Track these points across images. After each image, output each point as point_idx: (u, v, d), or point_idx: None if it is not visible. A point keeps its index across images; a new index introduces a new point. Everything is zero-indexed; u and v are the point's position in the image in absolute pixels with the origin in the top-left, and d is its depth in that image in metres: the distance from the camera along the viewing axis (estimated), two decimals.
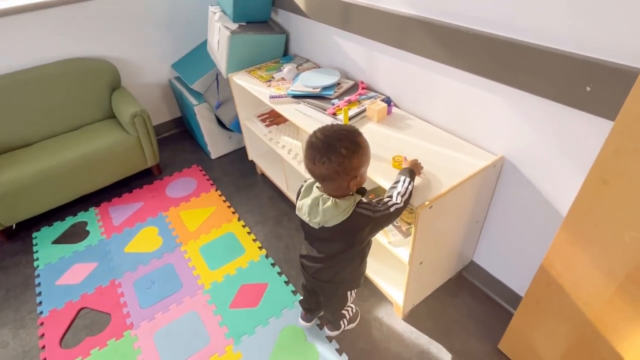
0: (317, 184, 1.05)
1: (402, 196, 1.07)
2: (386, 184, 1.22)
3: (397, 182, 1.12)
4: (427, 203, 1.11)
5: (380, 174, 1.26)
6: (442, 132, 1.44)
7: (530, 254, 1.36)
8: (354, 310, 1.52)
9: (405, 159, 1.26)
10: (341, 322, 1.49)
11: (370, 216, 1.02)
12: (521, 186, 1.27)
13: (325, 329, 1.53)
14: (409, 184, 1.10)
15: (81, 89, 2.26)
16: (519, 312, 1.25)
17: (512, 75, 1.11)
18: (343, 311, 1.43)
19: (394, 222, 1.40)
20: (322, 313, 1.54)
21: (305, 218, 1.05)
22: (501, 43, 1.09)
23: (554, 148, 1.12)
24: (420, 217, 1.12)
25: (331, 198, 1.00)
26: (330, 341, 1.50)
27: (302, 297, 1.50)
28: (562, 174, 1.13)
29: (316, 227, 1.03)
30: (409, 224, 1.40)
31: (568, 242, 0.97)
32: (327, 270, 1.19)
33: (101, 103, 2.35)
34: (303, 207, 1.05)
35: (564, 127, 1.06)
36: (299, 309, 1.60)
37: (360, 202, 1.03)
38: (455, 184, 1.17)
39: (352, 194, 1.03)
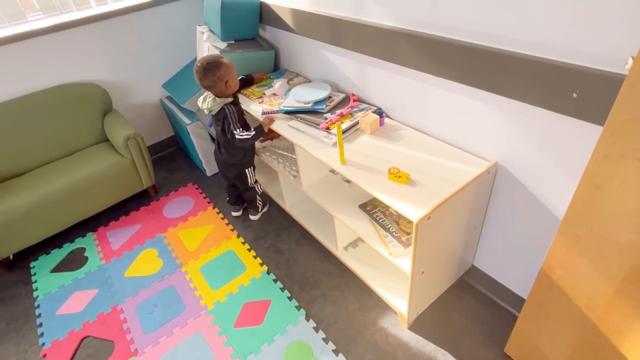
0: (208, 92, 1.70)
1: (245, 135, 1.69)
2: (382, 196, 1.23)
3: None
4: (425, 214, 1.12)
5: (375, 186, 1.27)
6: (435, 141, 1.46)
7: (530, 257, 1.38)
8: (260, 191, 2.11)
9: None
10: (257, 202, 2.11)
11: (227, 113, 1.67)
12: (516, 191, 1.29)
13: (250, 216, 2.19)
14: (252, 135, 1.70)
15: (73, 115, 2.26)
16: (522, 315, 1.26)
17: (500, 84, 1.13)
18: (251, 184, 2.04)
19: (394, 233, 1.41)
20: (244, 205, 2.23)
21: (201, 106, 1.71)
22: (488, 53, 1.11)
23: (545, 153, 1.14)
24: (420, 229, 1.13)
25: (215, 97, 1.68)
26: (337, 355, 1.49)
27: (228, 198, 2.21)
28: (555, 178, 1.15)
29: (207, 112, 1.70)
30: (408, 234, 1.41)
31: (565, 246, 0.99)
32: (227, 155, 1.88)
33: (93, 127, 2.35)
34: (201, 102, 1.71)
35: (554, 132, 1.09)
36: (303, 324, 1.61)
37: (229, 103, 1.68)
38: (452, 193, 1.18)
39: (228, 97, 1.69)
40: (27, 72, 2.16)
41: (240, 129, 1.68)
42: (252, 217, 2.18)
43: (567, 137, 1.06)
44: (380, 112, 1.58)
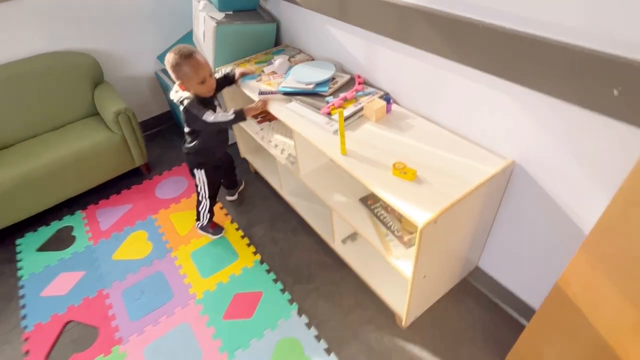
0: None
1: (220, 117, 1.47)
2: (384, 194, 1.11)
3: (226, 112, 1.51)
4: (431, 218, 1.01)
5: (378, 182, 1.16)
6: (447, 133, 1.32)
7: (541, 264, 1.27)
8: (207, 209, 1.83)
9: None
10: (200, 214, 1.86)
11: (186, 107, 1.47)
12: (533, 194, 1.17)
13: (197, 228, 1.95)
14: (230, 119, 1.47)
15: (61, 85, 2.12)
16: (529, 327, 1.16)
17: (527, 73, 0.99)
18: (199, 190, 1.77)
19: (395, 232, 1.31)
20: (241, 187, 2.15)
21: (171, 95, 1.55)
22: (514, 37, 0.97)
23: (573, 156, 1.01)
24: (424, 234, 1.02)
25: (178, 87, 1.48)
26: (329, 354, 1.42)
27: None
28: (581, 184, 1.03)
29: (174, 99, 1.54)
30: (411, 233, 1.30)
31: (588, 263, 0.88)
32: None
33: (83, 100, 2.22)
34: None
35: (587, 133, 0.95)
36: (295, 319, 1.54)
37: (190, 98, 1.48)
38: (462, 195, 1.07)
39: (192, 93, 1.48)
40: (10, 36, 2.01)
41: (209, 112, 1.46)
42: (198, 230, 1.93)
43: (602, 140, 0.93)
44: (387, 98, 1.44)
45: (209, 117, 1.46)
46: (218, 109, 1.54)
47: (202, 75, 1.41)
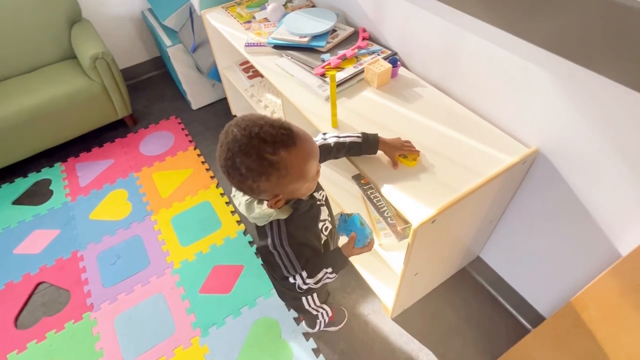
0: None
1: (311, 284, 0.85)
2: (376, 181, 0.93)
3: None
4: (429, 217, 0.83)
5: (369, 165, 0.97)
6: (460, 108, 1.10)
7: (553, 270, 1.11)
8: (328, 314, 1.18)
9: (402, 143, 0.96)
10: (316, 322, 1.25)
11: (269, 245, 0.80)
12: (556, 189, 0.98)
13: (303, 323, 1.36)
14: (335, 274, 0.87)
15: (30, 20, 1.89)
16: (531, 337, 1.03)
17: (578, 46, 0.75)
18: (312, 311, 1.10)
19: (389, 219, 1.14)
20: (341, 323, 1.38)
21: (235, 200, 0.82)
22: None
23: (617, 150, 0.80)
24: (419, 234, 0.85)
25: (265, 204, 0.76)
26: (308, 339, 1.33)
27: None
28: (627, 195, 0.83)
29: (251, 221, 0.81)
30: (407, 222, 1.14)
31: (616, 291, 0.71)
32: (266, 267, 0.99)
33: (57, 39, 1.99)
34: (234, 191, 0.80)
35: None
36: (274, 299, 1.43)
37: (278, 222, 0.78)
38: (469, 190, 0.88)
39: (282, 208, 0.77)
40: None
41: (303, 274, 0.83)
42: (305, 329, 1.35)
43: None
44: (394, 60, 1.20)
45: (302, 282, 0.84)
46: (324, 216, 0.88)
47: (315, 166, 0.73)
